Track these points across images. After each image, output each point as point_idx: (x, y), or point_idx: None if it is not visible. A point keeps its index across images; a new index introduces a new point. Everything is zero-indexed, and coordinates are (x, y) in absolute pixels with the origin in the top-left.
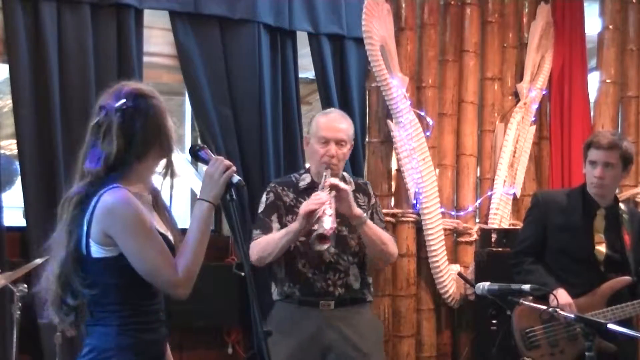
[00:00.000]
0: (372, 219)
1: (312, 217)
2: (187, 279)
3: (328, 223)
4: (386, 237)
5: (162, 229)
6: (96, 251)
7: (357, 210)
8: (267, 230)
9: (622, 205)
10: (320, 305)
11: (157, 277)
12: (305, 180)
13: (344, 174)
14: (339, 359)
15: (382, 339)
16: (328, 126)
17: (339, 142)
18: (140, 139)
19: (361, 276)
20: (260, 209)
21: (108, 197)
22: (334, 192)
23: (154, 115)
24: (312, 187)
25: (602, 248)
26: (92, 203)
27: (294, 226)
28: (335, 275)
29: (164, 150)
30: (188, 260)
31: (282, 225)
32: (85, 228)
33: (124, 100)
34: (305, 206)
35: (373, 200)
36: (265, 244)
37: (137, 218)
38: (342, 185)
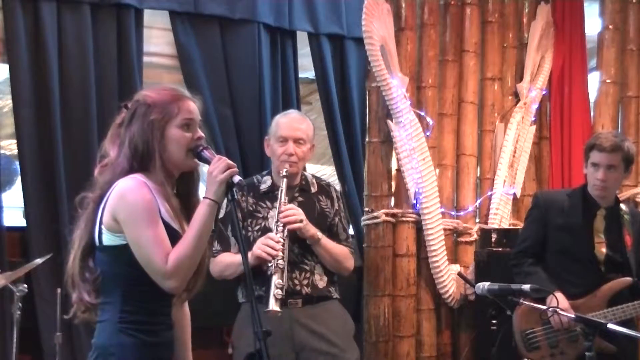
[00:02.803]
0: (335, 225)
1: (263, 262)
2: (176, 271)
3: (272, 302)
4: (339, 253)
5: (175, 224)
6: (107, 239)
7: (310, 232)
8: (225, 245)
9: (622, 206)
10: (288, 304)
11: (149, 266)
12: (266, 183)
13: (307, 174)
14: (313, 356)
15: (353, 332)
16: (287, 125)
17: (297, 141)
18: (130, 144)
19: (326, 275)
20: (220, 215)
21: (121, 184)
22: (286, 231)
23: (146, 127)
24: (272, 191)
25: (602, 248)
26: (109, 191)
27: (249, 260)
28: (301, 274)
29: (164, 168)
30: (180, 253)
31: (237, 235)
32: (99, 215)
33: (128, 102)
34: (260, 249)
35: (337, 206)
36: (225, 265)
37: (144, 205)
38: (295, 224)
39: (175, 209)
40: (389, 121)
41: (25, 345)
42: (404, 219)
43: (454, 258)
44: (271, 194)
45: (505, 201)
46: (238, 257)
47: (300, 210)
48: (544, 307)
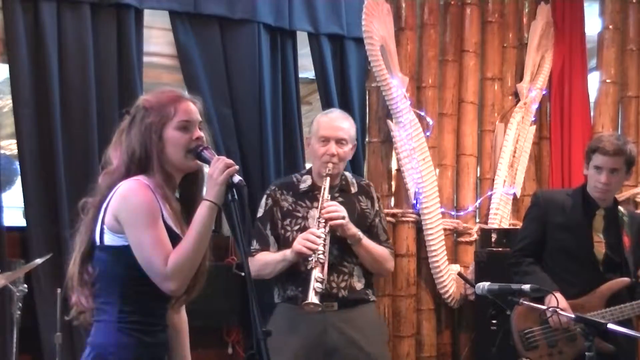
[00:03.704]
0: (375, 226)
1: (304, 256)
2: (175, 273)
3: (312, 294)
4: (380, 254)
5: (176, 227)
6: (108, 238)
7: (351, 231)
8: (264, 244)
9: (621, 208)
10: (323, 307)
11: (149, 267)
12: (306, 182)
13: (347, 174)
14: None
15: (387, 339)
16: (328, 125)
17: (339, 141)
18: (127, 149)
19: (365, 276)
20: (259, 214)
21: (124, 185)
22: (328, 227)
23: (143, 131)
24: (312, 191)
25: (601, 248)
26: (111, 193)
27: (288, 256)
28: (339, 277)
29: (163, 170)
30: (179, 255)
31: (276, 234)
32: (101, 215)
33: (129, 108)
34: (300, 245)
35: (377, 207)
36: (263, 263)
37: (145, 206)
38: (337, 220)
39: (176, 211)
40: (389, 121)
41: (25, 345)
42: (404, 219)
43: (454, 258)
44: (311, 194)
45: (505, 201)
46: (276, 256)
47: (342, 208)
48: (544, 307)
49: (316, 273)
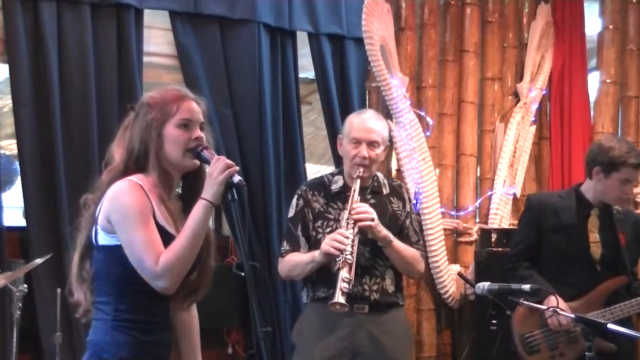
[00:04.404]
0: (406, 228)
1: (332, 257)
2: (165, 271)
3: (338, 294)
4: (411, 256)
5: (170, 227)
6: (102, 238)
7: (382, 233)
8: (295, 245)
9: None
10: (354, 309)
11: (140, 266)
12: (337, 183)
13: (379, 175)
14: None
15: (413, 345)
16: (360, 127)
17: (371, 144)
18: (128, 145)
19: (396, 279)
20: (290, 214)
21: (115, 186)
22: (357, 228)
23: (144, 127)
24: (344, 192)
25: (597, 248)
26: (105, 193)
27: (317, 257)
28: (372, 279)
29: (161, 168)
30: (171, 253)
31: (307, 235)
32: (96, 215)
33: (135, 104)
34: (328, 245)
35: (408, 208)
36: (293, 265)
37: (135, 207)
38: (366, 222)
39: (172, 211)
40: (389, 121)
41: (25, 345)
42: None
43: (454, 258)
44: (342, 195)
45: (505, 201)
46: (305, 257)
47: (371, 209)
48: (544, 308)
49: (343, 273)
